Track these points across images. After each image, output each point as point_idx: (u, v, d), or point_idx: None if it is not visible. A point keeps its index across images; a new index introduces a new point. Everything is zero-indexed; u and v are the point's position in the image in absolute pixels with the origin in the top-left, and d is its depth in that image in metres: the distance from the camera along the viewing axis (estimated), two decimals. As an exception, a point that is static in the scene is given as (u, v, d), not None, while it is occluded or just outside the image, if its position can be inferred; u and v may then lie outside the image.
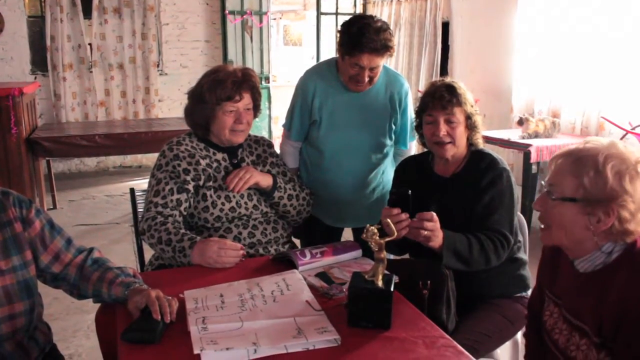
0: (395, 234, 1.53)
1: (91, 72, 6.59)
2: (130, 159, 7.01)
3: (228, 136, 2.08)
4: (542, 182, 1.45)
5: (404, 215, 1.74)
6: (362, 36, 2.10)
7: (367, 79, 2.21)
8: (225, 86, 2.02)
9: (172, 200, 2.00)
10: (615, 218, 1.28)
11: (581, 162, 1.31)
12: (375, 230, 1.49)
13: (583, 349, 1.36)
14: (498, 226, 1.86)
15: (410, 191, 1.76)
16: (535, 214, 4.34)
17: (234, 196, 2.06)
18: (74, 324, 3.12)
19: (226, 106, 2.04)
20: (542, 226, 1.43)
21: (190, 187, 2.03)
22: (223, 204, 2.04)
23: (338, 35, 2.24)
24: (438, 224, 1.74)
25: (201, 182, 2.05)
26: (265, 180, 2.09)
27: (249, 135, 2.21)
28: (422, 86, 6.02)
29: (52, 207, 5.26)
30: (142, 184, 5.99)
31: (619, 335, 1.26)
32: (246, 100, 2.07)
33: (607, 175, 1.27)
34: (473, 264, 1.82)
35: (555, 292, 1.50)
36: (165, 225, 1.93)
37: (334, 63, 2.36)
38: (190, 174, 2.04)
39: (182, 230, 1.93)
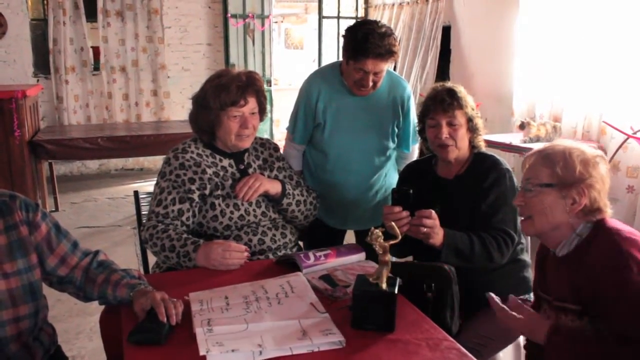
0: (400, 237, 1.54)
1: (95, 75, 6.62)
2: (132, 162, 7.02)
3: (234, 141, 2.06)
4: (517, 187, 1.62)
5: (405, 213, 1.80)
6: (366, 41, 2.12)
7: (371, 84, 2.23)
8: (230, 91, 1.99)
9: (173, 211, 1.99)
10: (586, 198, 1.48)
11: (551, 156, 1.53)
12: (380, 233, 1.50)
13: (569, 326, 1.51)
14: (502, 225, 1.90)
15: (411, 190, 1.81)
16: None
17: (242, 204, 2.05)
18: (76, 325, 3.13)
19: (231, 111, 2.02)
20: (522, 218, 1.61)
21: (195, 196, 2.01)
22: (232, 212, 2.03)
23: (342, 40, 2.26)
24: (437, 222, 1.79)
25: (207, 191, 2.03)
26: (275, 188, 2.08)
27: (254, 138, 2.19)
28: (421, 90, 6.03)
29: (54, 209, 5.27)
30: (144, 186, 6.01)
31: (597, 302, 1.43)
32: (251, 104, 2.05)
33: (574, 163, 1.49)
34: (475, 261, 1.85)
35: (545, 289, 1.63)
36: (167, 232, 1.92)
37: (338, 66, 2.38)
38: (195, 183, 2.02)
39: (185, 235, 1.93)
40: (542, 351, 1.66)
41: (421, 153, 2.39)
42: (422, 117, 2.09)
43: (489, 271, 1.95)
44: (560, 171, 1.50)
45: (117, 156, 5.93)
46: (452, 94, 2.00)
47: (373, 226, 1.54)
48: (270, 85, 7.29)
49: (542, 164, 1.53)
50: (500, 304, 1.58)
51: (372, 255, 1.83)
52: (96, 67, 6.67)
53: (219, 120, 2.04)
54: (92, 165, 6.90)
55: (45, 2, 6.44)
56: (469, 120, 2.02)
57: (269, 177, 2.14)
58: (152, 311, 1.47)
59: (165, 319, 1.44)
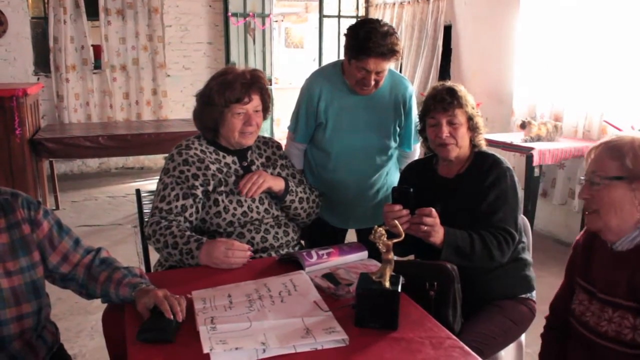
0: (403, 235, 1.54)
1: (95, 73, 6.62)
2: (132, 160, 7.03)
3: (237, 139, 2.08)
4: (581, 178, 1.58)
5: (405, 212, 1.81)
6: (368, 40, 2.12)
7: (373, 83, 2.22)
8: (234, 88, 2.01)
9: (176, 207, 1.99)
10: None
11: (618, 148, 1.48)
12: (383, 232, 1.50)
13: (615, 321, 1.50)
14: (503, 224, 1.90)
15: (411, 189, 1.82)
16: (538, 218, 4.39)
17: (245, 200, 2.06)
18: (77, 324, 3.13)
19: (235, 108, 2.03)
20: (587, 212, 1.55)
21: (199, 192, 2.02)
22: (235, 208, 2.04)
23: (344, 39, 2.25)
24: (437, 220, 1.80)
25: (210, 188, 2.04)
26: (278, 185, 2.09)
27: (257, 136, 2.21)
28: (422, 89, 6.03)
29: (54, 208, 5.27)
30: (144, 185, 6.02)
31: None
32: (255, 102, 2.07)
33: None
34: (475, 260, 1.85)
35: (589, 278, 1.60)
36: (170, 229, 1.93)
37: (339, 65, 2.38)
38: (199, 179, 2.03)
39: (188, 233, 1.93)
40: (561, 341, 1.67)
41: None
42: (422, 117, 2.09)
43: (490, 270, 1.95)
44: (630, 163, 1.46)
45: (117, 155, 5.94)
46: (452, 93, 2.00)
47: (375, 225, 1.54)
48: (271, 84, 7.29)
49: (609, 157, 1.49)
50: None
51: (374, 253, 1.83)
52: (97, 66, 6.67)
53: (223, 117, 2.05)
54: (93, 163, 6.90)
55: (45, 0, 6.44)
56: (470, 119, 2.02)
57: (272, 174, 2.15)
58: (156, 309, 1.47)
59: (171, 316, 1.44)
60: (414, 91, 2.51)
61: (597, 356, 1.53)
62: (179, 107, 6.97)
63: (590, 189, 1.52)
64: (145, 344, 1.39)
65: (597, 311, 1.54)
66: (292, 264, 1.87)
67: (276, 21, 11.05)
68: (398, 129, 2.43)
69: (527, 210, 3.89)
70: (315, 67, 6.19)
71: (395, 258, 1.56)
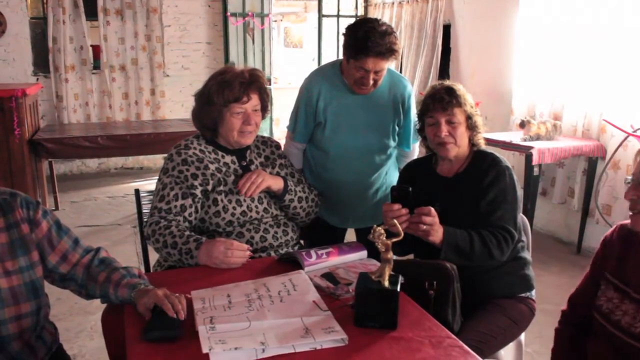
0: (402, 234, 1.54)
1: (95, 73, 6.62)
2: (131, 161, 7.02)
3: (236, 138, 2.08)
4: (627, 177, 1.54)
5: (404, 211, 1.81)
6: (367, 40, 2.12)
7: (371, 82, 2.22)
8: (233, 87, 2.01)
9: (175, 206, 2.00)
10: None
11: None
12: (382, 231, 1.50)
13: None
14: (502, 222, 1.91)
15: (410, 188, 1.82)
16: (537, 217, 4.39)
17: (244, 200, 2.06)
18: (77, 324, 3.12)
19: (234, 108, 2.03)
20: (631, 213, 1.51)
21: (198, 192, 2.02)
22: (234, 208, 2.04)
23: (343, 38, 2.25)
24: (437, 219, 1.80)
25: (209, 187, 2.04)
26: (277, 184, 2.09)
27: (256, 136, 2.21)
28: (422, 88, 6.03)
29: (54, 208, 5.27)
30: (144, 185, 6.01)
31: None
32: (254, 101, 2.07)
33: None
34: (475, 259, 1.86)
35: (623, 277, 1.57)
36: (170, 228, 1.93)
37: (338, 65, 2.38)
38: (198, 179, 2.03)
39: (187, 232, 1.93)
40: (578, 335, 1.65)
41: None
42: (421, 116, 2.10)
43: (490, 269, 1.95)
44: None
45: (116, 155, 5.94)
46: (450, 92, 2.00)
47: (374, 224, 1.54)
48: (270, 84, 7.29)
49: None
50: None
51: (373, 253, 1.83)
52: (96, 66, 6.66)
53: (221, 116, 2.05)
54: (92, 164, 6.89)
55: (44, 0, 6.43)
56: (468, 118, 2.02)
57: (270, 174, 2.15)
58: (157, 308, 1.46)
59: (174, 314, 1.44)
60: (414, 90, 2.51)
61: (628, 356, 1.50)
62: (177, 107, 6.97)
63: (637, 189, 1.48)
64: (148, 343, 1.38)
65: (631, 311, 1.51)
66: (291, 263, 1.87)
67: (275, 21, 11.06)
68: (397, 128, 2.43)
69: (526, 209, 3.89)
70: (314, 66, 6.19)
71: (395, 257, 1.56)
